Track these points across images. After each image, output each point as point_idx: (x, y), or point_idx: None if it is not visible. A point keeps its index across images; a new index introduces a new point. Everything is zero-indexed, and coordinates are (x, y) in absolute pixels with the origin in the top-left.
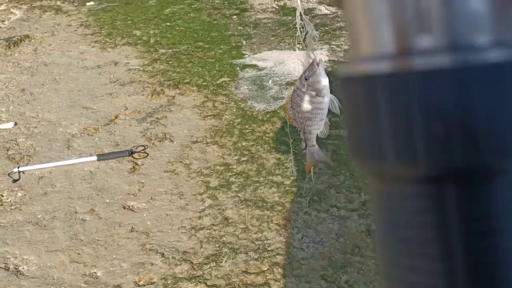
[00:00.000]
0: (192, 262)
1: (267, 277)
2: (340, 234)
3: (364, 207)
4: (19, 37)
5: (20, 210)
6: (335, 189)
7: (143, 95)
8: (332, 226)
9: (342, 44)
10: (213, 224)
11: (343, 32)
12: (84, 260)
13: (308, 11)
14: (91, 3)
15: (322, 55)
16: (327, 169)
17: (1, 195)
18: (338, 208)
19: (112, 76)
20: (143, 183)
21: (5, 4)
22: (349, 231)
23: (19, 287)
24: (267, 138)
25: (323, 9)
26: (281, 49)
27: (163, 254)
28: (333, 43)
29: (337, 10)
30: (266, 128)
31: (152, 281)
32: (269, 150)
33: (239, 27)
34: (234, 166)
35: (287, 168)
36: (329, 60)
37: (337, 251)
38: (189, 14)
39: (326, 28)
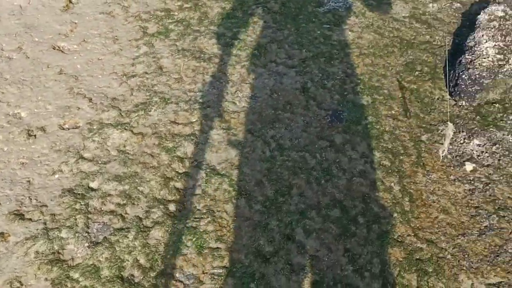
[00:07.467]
0: (120, 109)
1: (195, 128)
2: (275, 90)
3: (303, 65)
4: None
5: None
6: (277, 44)
7: None
8: (268, 81)
9: None
10: (146, 72)
11: None
12: (8, 99)
13: None
14: None
15: None
16: (272, 23)
17: None
18: (277, 64)
19: None
20: (76, 23)
21: None
22: (283, 88)
23: None
24: None
25: None
26: None
27: (91, 99)
28: None
29: None
30: None
31: (78, 125)
32: None
33: None
34: (176, 13)
35: (231, 18)
36: None
37: (269, 106)
38: None
39: None
